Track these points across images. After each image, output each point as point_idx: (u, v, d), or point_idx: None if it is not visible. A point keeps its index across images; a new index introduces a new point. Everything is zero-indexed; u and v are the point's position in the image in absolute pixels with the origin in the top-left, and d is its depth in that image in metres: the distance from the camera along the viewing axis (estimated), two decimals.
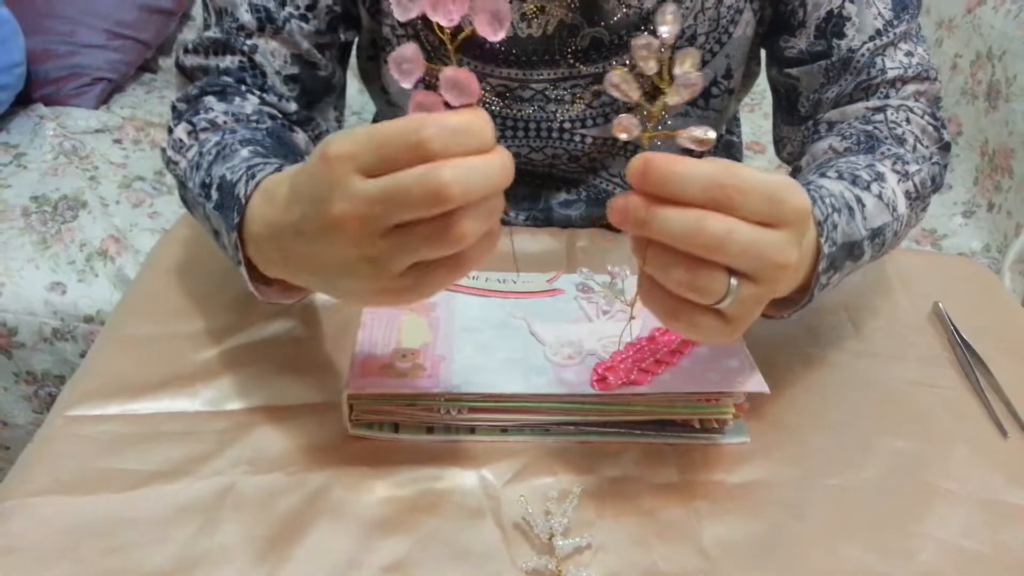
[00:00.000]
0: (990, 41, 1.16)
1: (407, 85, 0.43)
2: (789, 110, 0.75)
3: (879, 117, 0.68)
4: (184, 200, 0.65)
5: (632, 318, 0.62)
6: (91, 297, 1.08)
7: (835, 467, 0.55)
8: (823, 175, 0.59)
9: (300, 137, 0.71)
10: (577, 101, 0.75)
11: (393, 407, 0.55)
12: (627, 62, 0.72)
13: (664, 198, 0.41)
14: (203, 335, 0.63)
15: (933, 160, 0.67)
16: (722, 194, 0.40)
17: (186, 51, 0.70)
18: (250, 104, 0.67)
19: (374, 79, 0.79)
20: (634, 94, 0.43)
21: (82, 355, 1.09)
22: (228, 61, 0.68)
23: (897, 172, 0.62)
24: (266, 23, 0.68)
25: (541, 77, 0.73)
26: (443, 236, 0.40)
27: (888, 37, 0.68)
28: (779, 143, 0.79)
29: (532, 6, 0.70)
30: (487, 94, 0.74)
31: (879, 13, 0.68)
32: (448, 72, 0.42)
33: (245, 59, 0.68)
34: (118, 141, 1.37)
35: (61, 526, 0.48)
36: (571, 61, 0.72)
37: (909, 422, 0.59)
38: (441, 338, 0.59)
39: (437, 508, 0.51)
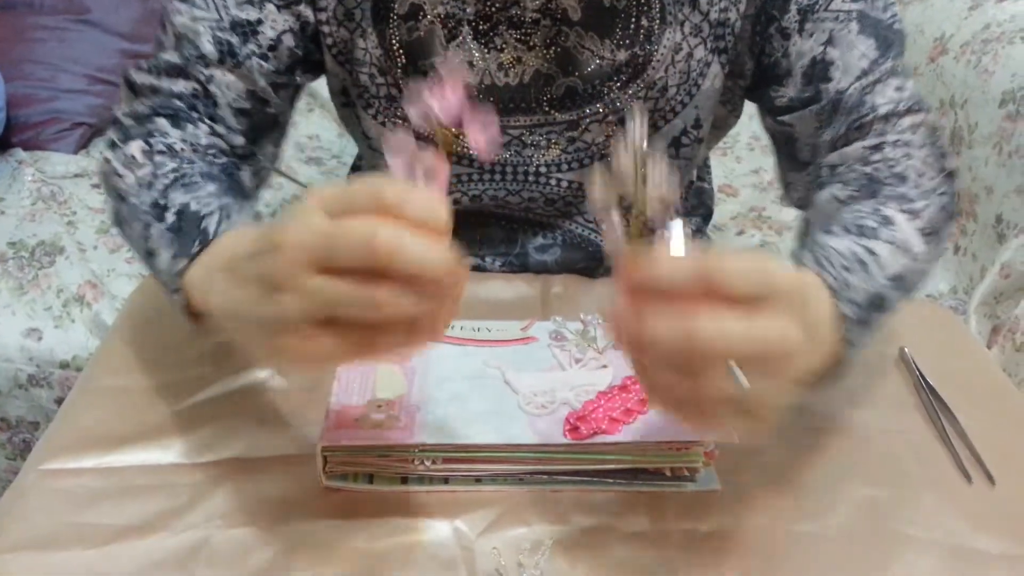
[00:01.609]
0: (952, 89, 1.20)
1: (392, 161, 0.45)
2: (790, 157, 0.76)
3: (877, 157, 0.68)
4: (117, 213, 0.65)
5: (604, 367, 0.63)
6: (67, 343, 1.08)
7: (805, 514, 0.56)
8: (829, 232, 0.59)
9: (245, 175, 0.72)
10: (552, 146, 0.76)
11: (367, 459, 0.55)
12: (600, 110, 0.74)
13: (656, 299, 0.41)
14: (177, 386, 0.63)
15: (940, 191, 0.67)
16: (707, 275, 0.40)
17: (139, 69, 0.70)
18: (203, 133, 0.68)
19: (354, 125, 0.80)
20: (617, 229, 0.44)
21: (57, 401, 1.09)
22: (181, 86, 0.69)
23: (905, 212, 0.62)
24: (227, 57, 0.69)
25: (517, 123, 0.75)
26: (362, 293, 0.40)
27: (875, 75, 0.69)
28: (787, 188, 0.80)
29: (509, 57, 0.72)
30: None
31: (863, 54, 0.69)
32: (428, 159, 0.45)
33: (199, 87, 0.69)
34: (96, 186, 1.37)
35: None
36: (546, 109, 0.74)
37: (877, 468, 0.60)
38: (416, 388, 0.60)
39: (411, 560, 0.51)
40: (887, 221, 0.60)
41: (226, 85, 0.69)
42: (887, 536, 0.55)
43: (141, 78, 0.70)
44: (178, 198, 0.57)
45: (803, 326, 0.42)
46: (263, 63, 0.70)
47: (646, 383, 0.45)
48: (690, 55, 0.72)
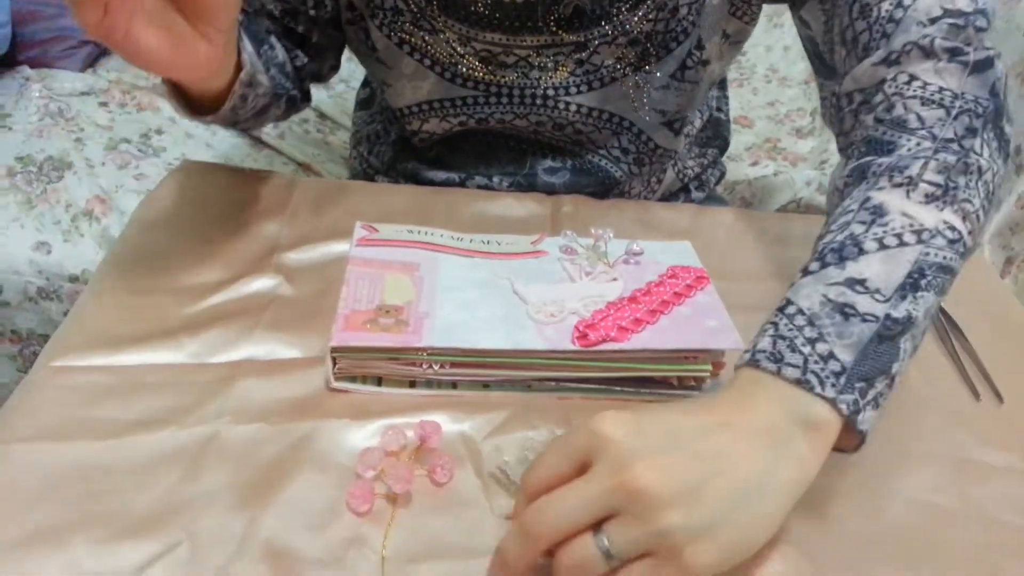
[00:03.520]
0: None
1: None
2: (820, 61, 0.69)
3: (879, 97, 0.59)
4: None
5: (614, 279, 0.63)
6: (76, 257, 1.08)
7: None
8: (799, 283, 0.50)
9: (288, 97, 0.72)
10: (560, 69, 0.74)
11: (376, 361, 0.56)
12: (609, 32, 0.72)
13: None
14: (187, 291, 0.63)
15: (956, 113, 0.54)
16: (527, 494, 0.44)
17: None
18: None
19: (360, 41, 0.78)
20: None
21: (67, 314, 1.09)
22: None
23: (899, 185, 0.52)
24: None
25: (524, 43, 0.73)
26: None
27: None
28: (822, 101, 0.71)
29: None
30: (470, 58, 0.74)
31: None
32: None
33: None
34: (104, 104, 1.35)
35: (43, 472, 0.49)
36: (554, 29, 0.72)
37: None
38: (424, 296, 0.60)
39: (417, 459, 0.51)
40: (877, 213, 0.51)
41: None
42: (891, 448, 0.55)
43: None
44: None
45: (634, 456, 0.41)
46: None
47: None
48: None
